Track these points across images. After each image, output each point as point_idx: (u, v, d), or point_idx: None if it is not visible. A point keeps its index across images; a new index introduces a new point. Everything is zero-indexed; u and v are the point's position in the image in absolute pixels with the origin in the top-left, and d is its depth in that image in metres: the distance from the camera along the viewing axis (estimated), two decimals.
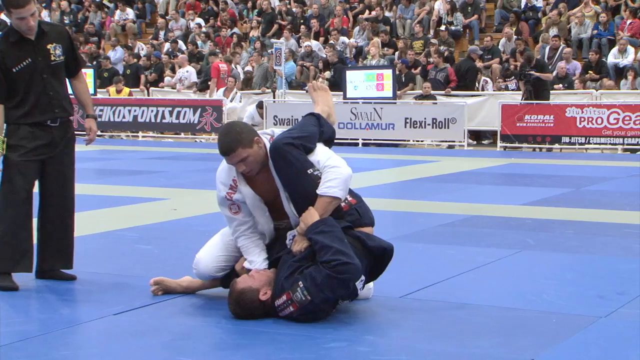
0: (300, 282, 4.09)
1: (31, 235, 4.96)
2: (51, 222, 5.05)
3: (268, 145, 4.37)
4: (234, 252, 4.56)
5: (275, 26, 21.40)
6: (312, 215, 4.21)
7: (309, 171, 4.25)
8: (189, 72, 19.59)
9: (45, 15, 25.08)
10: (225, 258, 4.57)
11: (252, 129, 4.43)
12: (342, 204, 4.36)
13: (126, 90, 19.18)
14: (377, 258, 4.36)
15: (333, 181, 4.24)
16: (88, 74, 19.45)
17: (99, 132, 20.75)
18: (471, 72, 17.28)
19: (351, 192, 4.49)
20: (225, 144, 4.28)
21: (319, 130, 4.47)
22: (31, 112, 4.92)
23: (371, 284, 4.59)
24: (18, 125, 4.90)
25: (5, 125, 4.89)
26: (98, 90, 19.54)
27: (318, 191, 4.23)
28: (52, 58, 4.96)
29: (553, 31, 18.28)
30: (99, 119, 18.95)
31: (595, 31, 18.22)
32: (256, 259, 4.42)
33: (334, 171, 4.26)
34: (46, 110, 4.95)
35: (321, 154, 4.36)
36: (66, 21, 24.47)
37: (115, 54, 21.27)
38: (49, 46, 4.95)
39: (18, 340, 3.91)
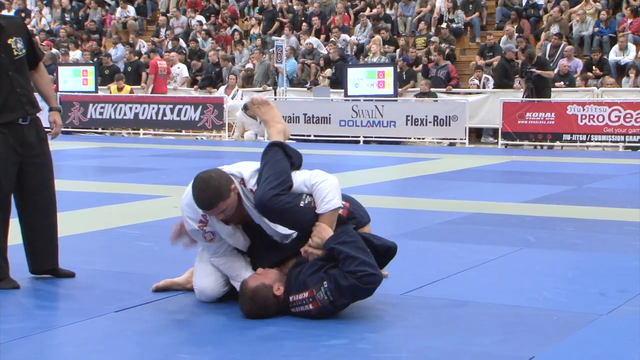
0: (325, 282, 4.10)
1: (7, 242, 4.86)
2: (36, 223, 4.94)
3: (239, 188, 4.30)
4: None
5: (277, 23, 21.39)
6: (325, 229, 4.23)
7: (301, 204, 4.25)
8: (180, 69, 19.59)
9: (46, 12, 25.07)
10: (226, 277, 4.50)
11: (227, 176, 4.29)
12: (340, 211, 4.35)
13: (127, 87, 19.18)
14: (380, 256, 4.38)
15: (328, 195, 4.24)
16: (89, 72, 19.49)
17: (100, 130, 20.62)
18: (509, 70, 16.89)
19: (342, 196, 4.48)
20: (206, 200, 4.19)
21: (289, 161, 4.42)
22: (1, 112, 4.75)
23: None
24: None
25: None
26: (99, 87, 19.54)
27: (319, 211, 4.24)
28: (15, 53, 4.79)
29: (554, 29, 18.27)
30: (100, 117, 19.17)
31: (597, 29, 18.21)
32: (242, 272, 4.40)
33: (323, 186, 4.27)
34: (16, 107, 4.79)
35: (302, 176, 4.36)
36: (67, 18, 24.46)
37: (117, 52, 21.27)
38: (9, 41, 4.78)
39: (20, 337, 3.91)
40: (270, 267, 4.34)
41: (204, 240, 4.43)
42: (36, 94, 5.00)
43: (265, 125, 4.86)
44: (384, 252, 4.41)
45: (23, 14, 24.24)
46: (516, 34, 18.36)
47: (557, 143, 15.70)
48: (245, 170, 4.39)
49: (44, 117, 4.94)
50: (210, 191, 4.18)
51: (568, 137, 15.46)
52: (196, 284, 4.54)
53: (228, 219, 4.34)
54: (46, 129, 5.04)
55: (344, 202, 4.44)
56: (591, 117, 15.21)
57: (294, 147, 4.60)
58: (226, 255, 4.44)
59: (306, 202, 4.27)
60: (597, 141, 15.36)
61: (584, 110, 15.27)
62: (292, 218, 4.27)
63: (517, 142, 15.86)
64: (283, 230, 4.37)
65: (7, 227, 4.88)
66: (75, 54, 21.44)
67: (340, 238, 4.18)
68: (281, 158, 4.40)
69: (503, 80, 16.81)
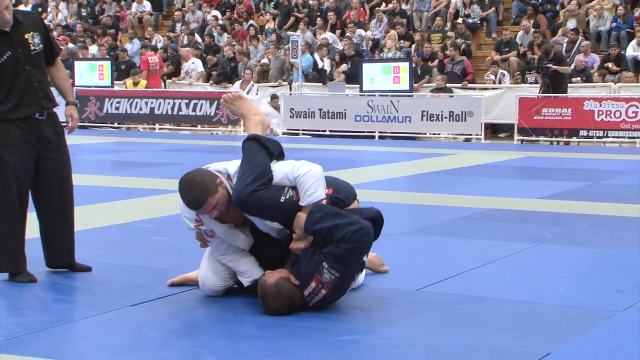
0: (324, 263, 4.09)
1: (24, 236, 4.90)
2: (53, 217, 4.97)
3: (226, 183, 4.29)
4: None
5: (292, 19, 21.38)
6: (301, 217, 4.19)
7: (282, 199, 4.21)
8: (194, 64, 19.62)
9: (63, 7, 25.17)
10: (229, 272, 4.50)
11: (211, 173, 4.30)
12: (324, 201, 4.29)
13: (143, 82, 19.24)
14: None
15: (310, 187, 4.19)
16: (105, 67, 19.57)
17: (115, 124, 20.68)
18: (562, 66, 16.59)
19: (326, 179, 4.39)
20: (194, 198, 4.19)
21: (267, 153, 4.37)
22: (18, 107, 4.78)
23: (362, 274, 4.58)
24: (6, 121, 4.76)
25: None
26: (115, 82, 19.60)
27: (302, 203, 4.20)
28: (32, 48, 4.82)
29: (571, 24, 18.17)
30: (116, 111, 19.26)
31: (614, 24, 18.10)
32: (250, 267, 4.40)
33: (306, 178, 4.22)
34: (33, 102, 4.82)
35: (285, 168, 4.31)
36: (83, 13, 24.54)
37: (132, 47, 21.32)
38: (26, 36, 4.81)
39: (37, 330, 3.93)
40: (273, 267, 4.35)
41: (206, 236, 4.44)
42: (53, 89, 5.03)
43: (242, 119, 4.80)
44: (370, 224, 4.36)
45: (40, 9, 24.36)
46: (532, 29, 18.27)
47: (574, 139, 15.62)
48: (230, 166, 4.37)
49: (60, 111, 4.97)
50: (196, 189, 4.17)
51: (585, 133, 15.39)
52: (199, 277, 4.57)
53: (223, 217, 4.32)
54: (62, 124, 5.07)
55: (327, 190, 4.34)
56: (608, 112, 15.12)
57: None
58: (232, 253, 4.44)
59: (287, 196, 4.21)
60: (614, 137, 15.28)
61: (600, 105, 15.19)
62: (274, 214, 4.23)
63: (533, 138, 15.80)
64: (276, 225, 4.32)
65: (25, 221, 4.91)
66: (92, 49, 21.52)
67: (314, 217, 4.14)
68: (256, 152, 4.34)
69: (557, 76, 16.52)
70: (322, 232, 4.12)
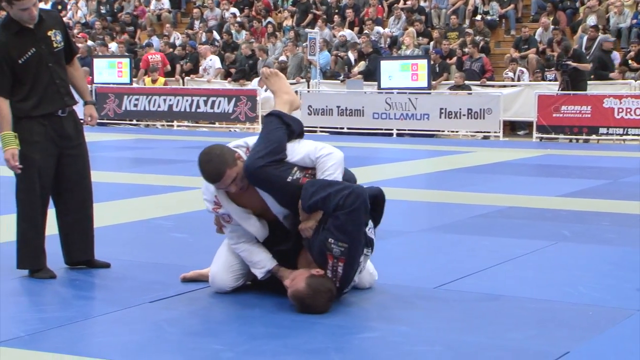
0: (329, 239, 4.11)
1: (45, 233, 4.93)
2: (73, 214, 5.00)
3: (244, 158, 4.32)
4: None
5: (310, 16, 21.38)
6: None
7: (288, 179, 4.23)
8: (212, 61, 19.65)
9: (82, 5, 25.28)
10: (240, 265, 4.52)
11: (229, 148, 4.34)
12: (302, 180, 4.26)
13: (161, 79, 19.30)
14: (373, 206, 4.33)
15: (329, 168, 4.25)
16: (124, 64, 19.64)
17: (134, 121, 20.75)
18: (607, 62, 16.49)
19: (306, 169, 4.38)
20: (213, 170, 4.22)
21: (286, 130, 4.38)
22: (41, 104, 4.82)
23: (374, 271, 4.58)
24: (29, 119, 4.80)
25: (14, 119, 4.76)
26: (134, 79, 19.67)
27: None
28: (55, 45, 4.86)
29: (591, 20, 18.05)
30: (134, 108, 19.34)
31: (635, 20, 17.95)
32: (263, 258, 4.40)
33: (327, 159, 4.27)
34: (55, 99, 4.86)
35: (307, 147, 4.33)
36: (102, 11, 24.65)
37: (151, 44, 21.37)
38: (49, 33, 4.85)
39: (57, 326, 3.96)
40: (285, 262, 4.38)
41: (223, 221, 4.46)
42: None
43: (274, 95, 4.80)
44: (372, 202, 4.34)
45: (59, 7, 24.48)
46: (552, 26, 18.17)
47: (593, 136, 15.53)
48: (250, 140, 4.44)
49: (79, 109, 5.00)
50: (215, 161, 4.21)
51: (604, 130, 15.28)
52: (210, 273, 4.59)
53: (242, 197, 4.32)
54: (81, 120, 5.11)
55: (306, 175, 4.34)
56: (628, 110, 15.01)
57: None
58: (246, 242, 4.44)
59: (294, 177, 4.24)
60: (634, 135, 15.16)
61: (620, 103, 15.08)
62: (279, 192, 4.26)
63: (552, 136, 15.72)
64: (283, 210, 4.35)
65: (46, 218, 4.95)
66: (111, 47, 21.61)
67: (309, 192, 4.16)
68: (275, 127, 4.37)
69: (599, 72, 16.39)
70: (317, 204, 4.14)
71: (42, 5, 23.69)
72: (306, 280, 4.14)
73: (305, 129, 4.78)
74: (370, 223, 4.29)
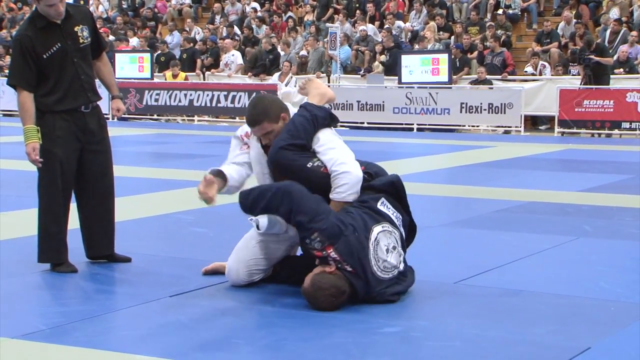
0: (305, 241, 4.13)
1: (67, 227, 4.97)
2: (94, 209, 5.02)
3: None
4: (264, 255, 4.55)
5: (330, 10, 21.35)
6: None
7: (308, 165, 4.34)
8: (234, 56, 19.67)
9: (104, 0, 25.38)
10: (256, 261, 4.54)
11: (282, 104, 4.51)
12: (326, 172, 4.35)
13: (182, 74, 19.35)
14: (394, 194, 4.39)
15: (342, 187, 4.31)
16: (145, 59, 19.72)
17: (155, 116, 20.79)
18: None
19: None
20: (253, 116, 4.43)
21: (311, 115, 4.45)
22: (64, 99, 4.85)
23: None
24: (52, 113, 4.83)
25: (38, 113, 4.80)
26: (155, 74, 19.74)
27: (330, 196, 4.32)
28: (81, 41, 4.89)
29: (614, 14, 17.89)
30: (155, 103, 19.40)
31: None
32: (230, 170, 4.57)
33: (341, 177, 4.32)
34: (79, 95, 4.88)
35: (331, 154, 4.36)
36: (124, 6, 24.74)
37: (172, 39, 21.46)
38: (76, 29, 4.88)
39: (79, 319, 3.99)
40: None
41: (238, 147, 4.63)
42: (97, 82, 5.10)
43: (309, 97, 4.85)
44: (388, 188, 4.39)
45: (82, 2, 24.60)
46: (574, 20, 18.03)
47: (616, 131, 15.41)
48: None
49: (103, 104, 5.03)
50: (259, 108, 4.41)
51: (627, 125, 15.17)
52: (227, 265, 4.62)
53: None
54: (105, 116, 5.14)
55: (361, 167, 4.43)
56: None
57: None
58: (238, 165, 4.61)
59: (314, 164, 4.35)
60: None
61: None
62: (298, 175, 4.33)
63: (574, 130, 15.61)
64: None
65: (68, 213, 4.98)
66: (132, 41, 21.69)
67: (247, 202, 4.33)
68: (300, 115, 4.47)
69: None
70: (265, 212, 4.24)
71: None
72: (311, 277, 4.16)
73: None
74: (384, 199, 4.31)
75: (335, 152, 4.38)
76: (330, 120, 4.55)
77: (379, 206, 4.30)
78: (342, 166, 4.33)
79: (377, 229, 4.23)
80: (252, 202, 4.31)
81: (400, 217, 4.39)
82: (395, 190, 4.43)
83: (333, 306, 4.10)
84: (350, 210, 4.27)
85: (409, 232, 4.49)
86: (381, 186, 4.41)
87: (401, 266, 4.30)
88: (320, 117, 4.48)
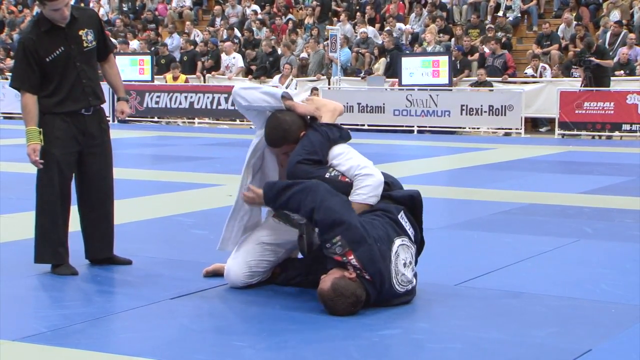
0: (326, 245, 4.08)
1: (67, 228, 4.98)
2: (94, 212, 5.03)
3: None
4: (265, 257, 4.56)
5: (331, 12, 21.35)
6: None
7: (326, 175, 4.35)
8: (235, 59, 19.68)
9: (104, 2, 25.41)
10: (256, 263, 4.54)
11: (300, 123, 4.48)
12: (345, 180, 4.37)
13: (182, 77, 19.36)
14: (411, 208, 4.39)
15: (363, 188, 4.33)
16: (146, 61, 19.73)
17: (155, 118, 20.80)
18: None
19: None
20: (273, 139, 4.49)
21: (324, 132, 4.47)
22: (65, 101, 4.87)
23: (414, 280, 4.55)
24: (52, 114, 4.85)
25: (39, 114, 4.82)
26: (155, 76, 19.75)
27: (350, 198, 4.32)
28: (85, 45, 4.90)
29: (614, 16, 17.90)
30: (156, 106, 19.39)
31: None
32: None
33: (364, 179, 4.34)
34: (80, 98, 4.90)
35: (351, 162, 4.39)
36: (124, 8, 24.76)
37: (173, 41, 21.47)
38: (80, 32, 4.89)
39: (80, 322, 3.98)
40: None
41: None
42: (103, 84, 5.12)
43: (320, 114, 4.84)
44: (407, 201, 4.39)
45: (82, 4, 24.63)
46: (575, 22, 18.04)
47: (616, 133, 15.41)
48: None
49: (107, 107, 5.03)
50: (279, 132, 4.46)
51: (627, 127, 15.17)
52: (226, 266, 4.62)
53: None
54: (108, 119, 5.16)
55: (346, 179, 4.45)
56: None
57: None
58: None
59: (332, 174, 4.37)
60: None
61: None
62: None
63: (575, 132, 15.61)
64: None
65: (68, 214, 4.98)
66: (133, 44, 21.71)
67: (270, 195, 4.31)
68: (314, 131, 4.48)
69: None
70: (286, 206, 4.25)
71: (72, 1, 23.94)
72: (332, 280, 4.08)
73: None
74: (403, 213, 4.31)
75: (353, 160, 4.42)
76: (341, 139, 4.55)
77: (400, 219, 4.30)
78: (365, 169, 4.36)
79: (398, 242, 4.23)
80: (275, 194, 4.29)
81: (414, 232, 4.39)
82: (412, 205, 4.42)
83: (348, 313, 4.06)
84: (374, 218, 4.25)
85: (418, 248, 4.48)
86: (400, 198, 4.40)
87: (414, 282, 4.31)
88: (331, 136, 4.50)
